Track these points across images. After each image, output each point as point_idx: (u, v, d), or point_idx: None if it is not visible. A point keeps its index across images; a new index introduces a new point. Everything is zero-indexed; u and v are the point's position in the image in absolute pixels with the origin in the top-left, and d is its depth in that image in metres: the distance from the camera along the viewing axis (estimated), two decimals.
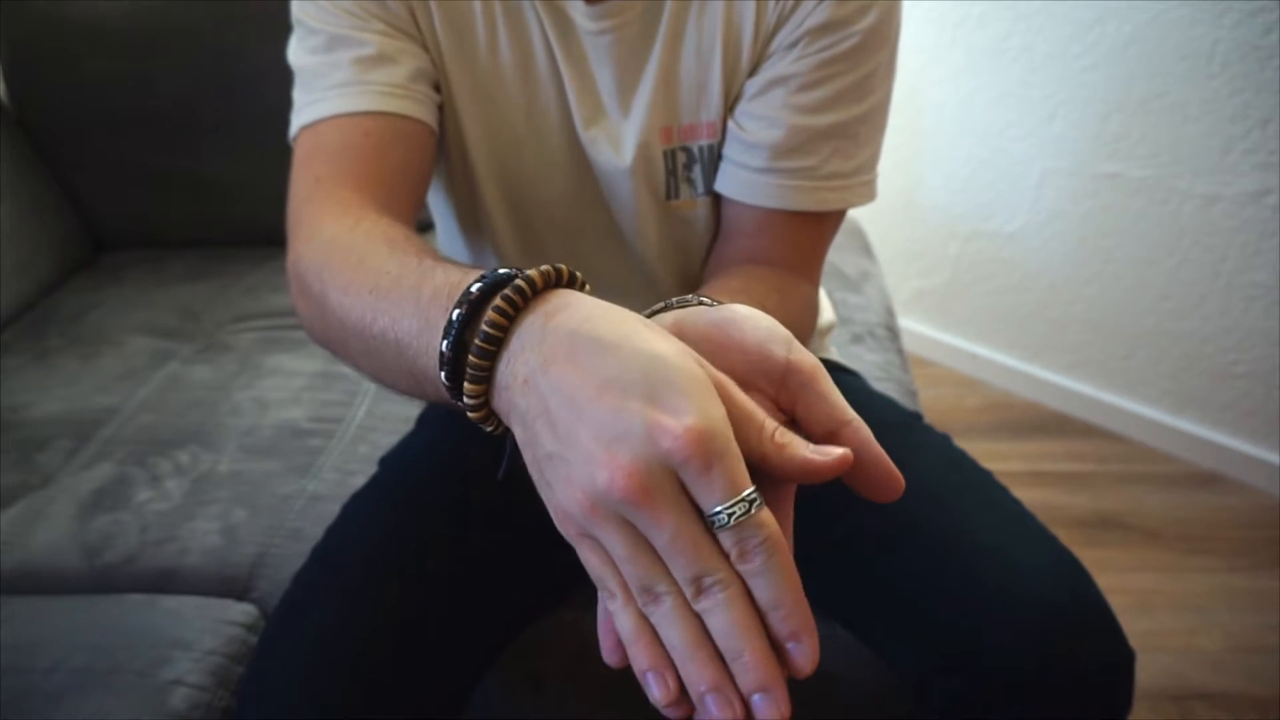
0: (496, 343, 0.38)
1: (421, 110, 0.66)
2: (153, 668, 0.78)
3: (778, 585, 0.34)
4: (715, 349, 0.38)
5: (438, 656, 0.67)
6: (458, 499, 0.75)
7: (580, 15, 0.66)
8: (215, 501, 0.98)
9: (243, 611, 0.87)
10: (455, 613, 0.70)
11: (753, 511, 0.33)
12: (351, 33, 0.65)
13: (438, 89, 0.69)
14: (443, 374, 0.40)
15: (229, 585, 0.91)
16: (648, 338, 0.36)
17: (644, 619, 0.35)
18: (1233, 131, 1.47)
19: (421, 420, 0.90)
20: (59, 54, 1.37)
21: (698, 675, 0.33)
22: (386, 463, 0.83)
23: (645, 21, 0.67)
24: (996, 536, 0.68)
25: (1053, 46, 1.61)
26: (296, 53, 0.68)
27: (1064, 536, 0.70)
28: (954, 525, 0.69)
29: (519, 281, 0.39)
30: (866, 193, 0.69)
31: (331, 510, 0.79)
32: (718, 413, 0.34)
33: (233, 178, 1.43)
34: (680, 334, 0.39)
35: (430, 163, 0.68)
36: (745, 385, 0.37)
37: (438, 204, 0.81)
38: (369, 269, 0.49)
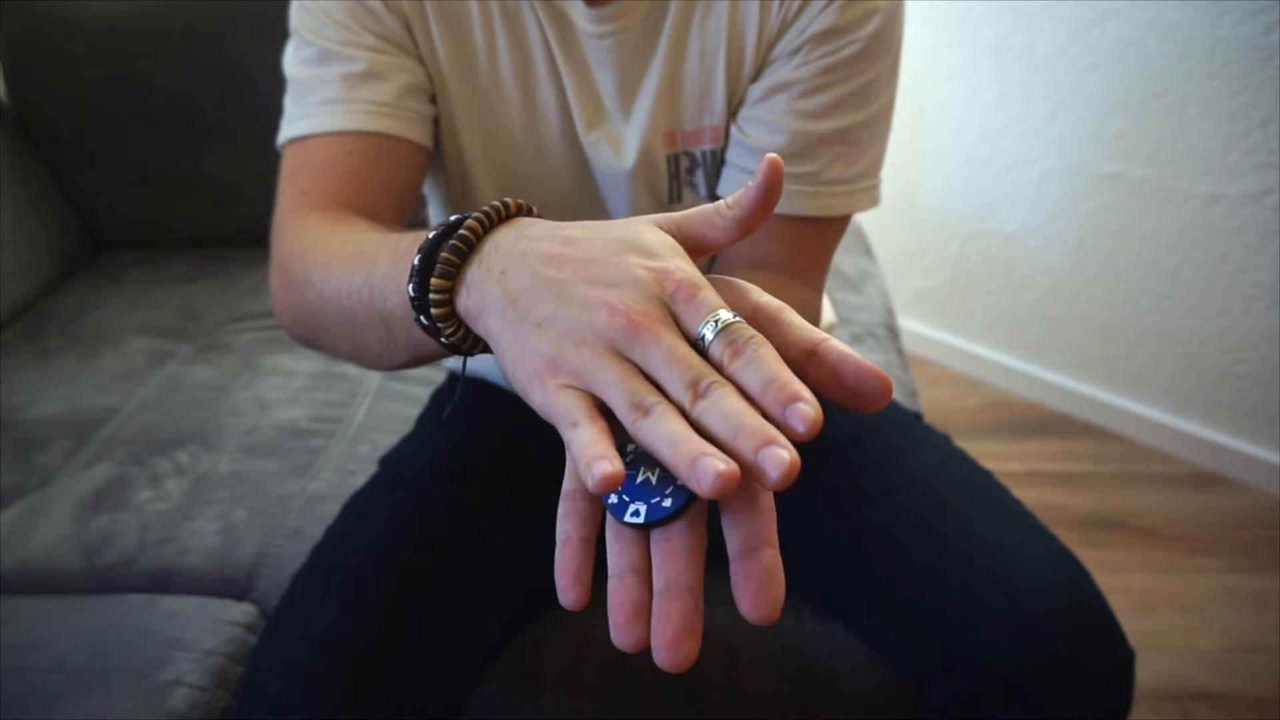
0: (470, 245, 0.42)
1: (408, 128, 0.66)
2: (152, 668, 0.78)
3: (770, 365, 0.34)
4: None
5: (438, 656, 0.67)
6: (458, 499, 0.75)
7: (581, 18, 0.66)
8: (215, 501, 0.98)
9: (243, 611, 0.87)
10: (455, 613, 0.70)
11: (735, 319, 0.36)
12: (342, 48, 0.65)
13: (434, 99, 0.69)
14: (410, 286, 0.42)
15: (229, 585, 0.91)
16: (614, 225, 0.40)
17: (608, 434, 0.35)
18: (1233, 131, 1.47)
19: (421, 420, 0.90)
20: (59, 54, 1.37)
21: (685, 450, 0.32)
22: (386, 463, 0.83)
23: (647, 25, 0.67)
24: (997, 536, 0.68)
25: (1053, 46, 1.61)
26: (291, 62, 0.68)
27: (1064, 536, 0.70)
28: (954, 525, 0.69)
29: (495, 202, 0.43)
30: (868, 199, 0.69)
31: (331, 510, 0.79)
32: (691, 262, 0.39)
33: (233, 178, 1.43)
34: None
35: (417, 177, 0.68)
36: None
37: (435, 204, 0.81)
38: (352, 242, 0.54)
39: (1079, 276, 1.73)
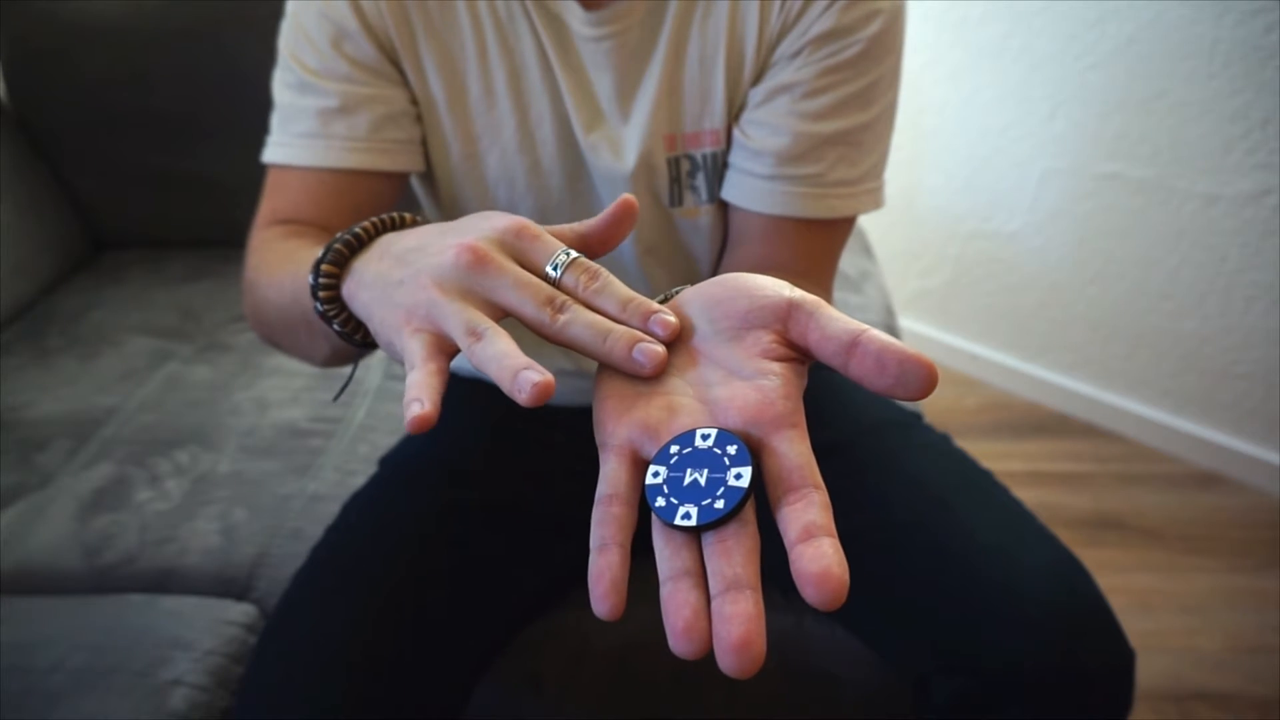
0: (361, 240, 0.47)
1: (383, 160, 0.68)
2: (153, 668, 0.78)
3: (622, 291, 0.39)
4: (721, 299, 0.39)
5: (437, 657, 0.67)
6: (458, 499, 0.75)
7: (578, 22, 0.66)
8: (215, 501, 0.98)
9: (243, 611, 0.87)
10: (455, 613, 0.70)
11: (578, 257, 0.40)
12: (318, 80, 0.66)
13: (419, 118, 0.69)
14: (310, 276, 0.47)
15: (229, 585, 0.91)
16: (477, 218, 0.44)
17: (441, 374, 0.38)
18: (1233, 131, 1.46)
19: None
20: (59, 54, 1.37)
21: (510, 364, 0.36)
22: (386, 463, 0.83)
23: (645, 28, 0.67)
24: (997, 536, 0.68)
25: (1053, 46, 1.61)
26: (276, 82, 0.69)
27: (1064, 536, 0.70)
28: (954, 525, 0.69)
29: (393, 214, 0.49)
30: (872, 200, 0.69)
31: (331, 510, 0.79)
32: None
33: (233, 178, 1.42)
34: (684, 301, 0.41)
35: (389, 202, 0.71)
36: (750, 326, 0.38)
37: (429, 216, 0.80)
38: (294, 252, 0.59)
39: (1079, 276, 1.73)
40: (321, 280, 0.47)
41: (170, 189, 1.46)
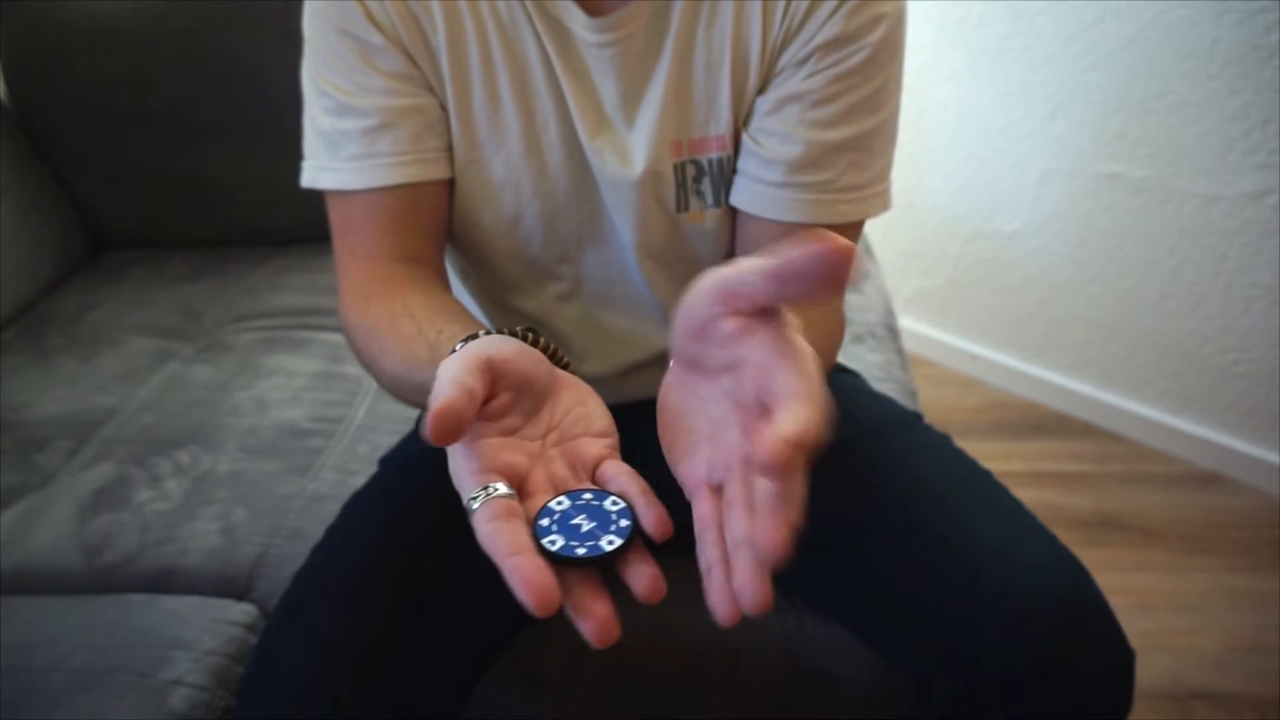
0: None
1: (431, 169, 0.68)
2: (153, 668, 0.78)
3: None
4: (680, 328, 0.45)
5: (438, 656, 0.67)
6: (458, 499, 0.75)
7: (581, 28, 0.65)
8: (215, 501, 0.98)
9: (243, 611, 0.87)
10: (455, 612, 0.70)
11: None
12: (355, 100, 0.66)
13: (449, 126, 0.69)
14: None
15: (229, 585, 0.91)
16: None
17: None
18: (1233, 131, 1.47)
19: (421, 420, 0.90)
20: (59, 54, 1.37)
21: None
22: (386, 463, 0.83)
23: (650, 34, 0.66)
24: (997, 536, 0.68)
25: (1053, 46, 1.61)
26: (314, 109, 0.69)
27: (1064, 536, 0.70)
28: (954, 525, 0.69)
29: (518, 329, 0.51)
30: (880, 203, 0.70)
31: (331, 510, 0.79)
32: None
33: (233, 178, 1.43)
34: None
35: (447, 207, 0.71)
36: (710, 333, 0.43)
37: None
38: (404, 347, 0.60)
39: (1079, 276, 1.73)
40: None
41: (170, 189, 1.46)
